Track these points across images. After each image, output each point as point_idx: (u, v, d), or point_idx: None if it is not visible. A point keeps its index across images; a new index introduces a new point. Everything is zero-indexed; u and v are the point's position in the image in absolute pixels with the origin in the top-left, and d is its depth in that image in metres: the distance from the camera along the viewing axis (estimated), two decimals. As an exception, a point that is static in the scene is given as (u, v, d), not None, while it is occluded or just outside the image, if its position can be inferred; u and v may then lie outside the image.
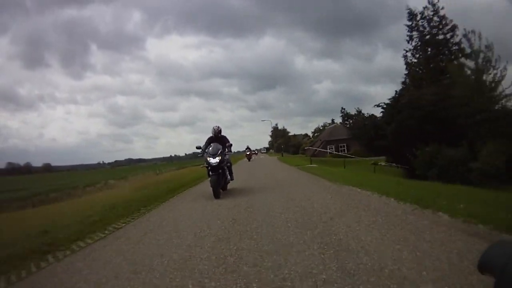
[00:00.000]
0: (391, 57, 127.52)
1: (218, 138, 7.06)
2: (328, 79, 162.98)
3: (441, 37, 20.35)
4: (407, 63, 22.26)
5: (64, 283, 2.55)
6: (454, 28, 19.94)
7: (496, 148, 9.78)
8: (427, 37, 20.80)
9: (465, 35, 15.79)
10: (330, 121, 53.97)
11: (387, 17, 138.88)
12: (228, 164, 7.28)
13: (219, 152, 6.62)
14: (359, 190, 5.94)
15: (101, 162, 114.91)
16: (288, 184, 8.00)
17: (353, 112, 42.01)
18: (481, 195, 5.03)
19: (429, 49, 20.72)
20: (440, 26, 20.27)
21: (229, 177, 7.25)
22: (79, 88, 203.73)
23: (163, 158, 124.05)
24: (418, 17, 21.02)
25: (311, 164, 17.50)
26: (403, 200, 4.45)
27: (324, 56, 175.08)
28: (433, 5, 20.32)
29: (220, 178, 6.58)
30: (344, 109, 47.81)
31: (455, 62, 17.94)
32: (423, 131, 14.78)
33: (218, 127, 7.16)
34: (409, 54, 21.96)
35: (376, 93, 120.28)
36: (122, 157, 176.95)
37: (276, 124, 65.57)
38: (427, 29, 20.81)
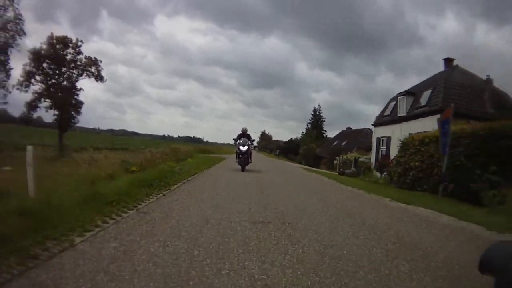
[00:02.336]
0: (393, 81, 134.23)
1: (245, 135, 10.95)
2: (327, 90, 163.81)
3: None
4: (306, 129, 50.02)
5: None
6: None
7: (299, 158, 35.40)
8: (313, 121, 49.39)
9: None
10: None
11: (394, 41, 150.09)
12: (250, 152, 11.07)
13: (247, 143, 10.70)
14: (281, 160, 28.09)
15: (97, 128, 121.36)
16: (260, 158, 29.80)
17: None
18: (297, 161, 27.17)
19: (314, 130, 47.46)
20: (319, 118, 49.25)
21: (250, 159, 10.99)
22: (83, 50, 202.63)
23: (157, 136, 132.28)
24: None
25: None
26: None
27: (326, 67, 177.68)
28: (319, 110, 49.79)
29: (246, 159, 10.62)
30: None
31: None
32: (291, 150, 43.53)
33: (246, 128, 11.13)
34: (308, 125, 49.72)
35: (373, 113, 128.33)
36: (114, 126, 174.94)
37: (264, 130, 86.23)
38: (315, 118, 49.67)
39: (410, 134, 11.99)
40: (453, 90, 13.92)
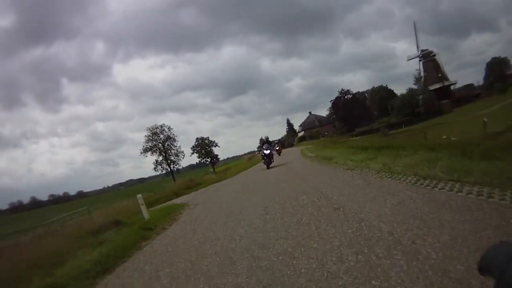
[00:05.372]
0: (354, 45, 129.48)
1: (267, 142, 15.13)
2: (297, 76, 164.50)
3: None
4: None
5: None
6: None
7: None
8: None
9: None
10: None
11: (341, 7, 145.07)
12: (272, 154, 14.92)
13: (269, 148, 14.55)
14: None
15: (106, 186, 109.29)
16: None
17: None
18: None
19: None
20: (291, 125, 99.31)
21: (272, 160, 14.68)
22: (58, 121, 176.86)
23: (163, 174, 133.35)
24: None
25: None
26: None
27: (287, 55, 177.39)
28: (289, 121, 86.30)
29: (269, 160, 14.26)
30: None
31: None
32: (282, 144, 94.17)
33: (267, 136, 15.62)
34: None
35: (350, 81, 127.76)
36: (115, 181, 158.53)
37: (262, 136, 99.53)
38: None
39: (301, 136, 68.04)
40: (306, 123, 70.00)
